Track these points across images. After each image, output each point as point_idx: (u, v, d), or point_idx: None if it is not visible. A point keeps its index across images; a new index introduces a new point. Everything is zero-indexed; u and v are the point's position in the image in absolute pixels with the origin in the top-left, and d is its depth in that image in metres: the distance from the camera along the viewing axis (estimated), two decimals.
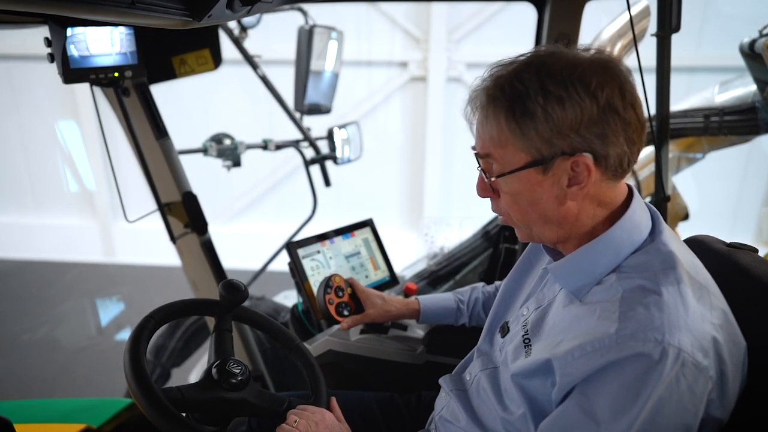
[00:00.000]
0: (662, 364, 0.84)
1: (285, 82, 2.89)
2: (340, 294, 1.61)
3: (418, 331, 1.74)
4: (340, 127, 2.83)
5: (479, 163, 1.05)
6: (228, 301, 1.31)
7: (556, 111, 0.92)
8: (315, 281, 1.71)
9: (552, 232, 1.03)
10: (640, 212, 1.01)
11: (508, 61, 1.00)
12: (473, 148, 1.06)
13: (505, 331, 1.20)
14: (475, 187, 1.08)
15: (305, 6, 2.61)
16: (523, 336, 1.09)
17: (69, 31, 1.50)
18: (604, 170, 0.96)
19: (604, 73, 0.94)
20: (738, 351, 0.94)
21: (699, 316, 0.89)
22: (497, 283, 1.59)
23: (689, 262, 0.98)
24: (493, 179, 1.01)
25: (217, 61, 2.16)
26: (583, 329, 0.93)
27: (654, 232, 1.01)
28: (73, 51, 1.53)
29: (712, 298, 0.94)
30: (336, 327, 1.83)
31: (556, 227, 1.02)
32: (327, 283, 1.60)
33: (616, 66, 0.96)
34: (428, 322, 1.64)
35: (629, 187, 1.05)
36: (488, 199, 1.09)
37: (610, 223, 1.00)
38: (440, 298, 1.63)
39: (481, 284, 1.65)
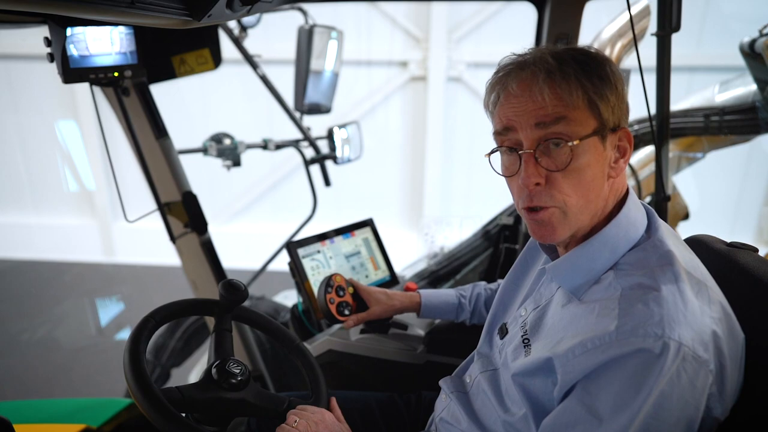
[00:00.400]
0: (663, 358, 0.84)
1: (285, 81, 2.89)
2: (341, 293, 1.60)
3: (418, 331, 1.74)
4: (340, 126, 2.82)
5: (524, 144, 0.98)
6: (228, 301, 1.31)
7: (618, 81, 0.97)
8: (315, 281, 1.71)
9: (588, 218, 1.00)
10: (635, 210, 1.02)
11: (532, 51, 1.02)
12: (505, 131, 1.00)
13: (503, 332, 1.20)
14: (522, 177, 0.99)
15: (305, 5, 2.61)
16: (522, 336, 1.09)
17: (69, 31, 1.50)
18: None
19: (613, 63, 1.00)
20: (737, 345, 0.94)
21: (698, 310, 0.90)
22: (500, 281, 1.58)
23: (686, 258, 0.99)
24: (576, 142, 0.94)
25: (216, 60, 2.16)
26: (583, 327, 0.94)
27: (650, 229, 1.01)
28: (72, 51, 1.53)
29: (710, 293, 0.94)
30: (336, 327, 1.82)
31: (593, 213, 1.00)
32: (328, 282, 1.59)
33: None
34: (429, 316, 1.62)
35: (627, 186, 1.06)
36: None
37: (606, 219, 1.01)
38: (442, 293, 1.63)
39: (483, 282, 1.65)
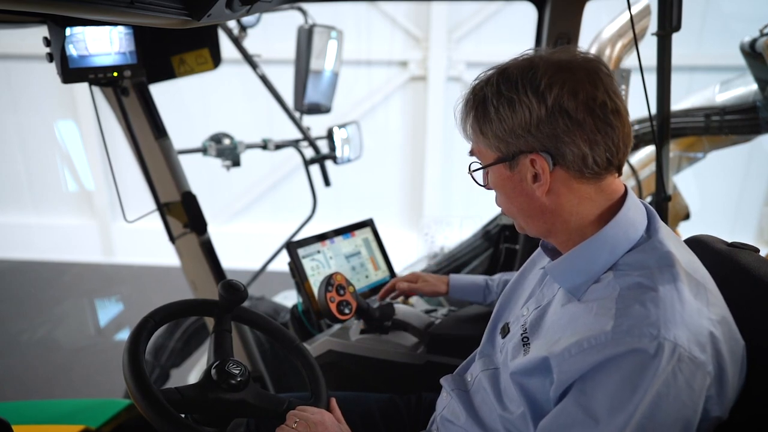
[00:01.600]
0: (658, 358, 0.84)
1: (284, 81, 2.89)
2: (342, 292, 1.60)
3: (419, 331, 1.74)
4: (340, 126, 2.82)
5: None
6: (227, 302, 1.30)
7: (507, 113, 0.98)
8: (315, 281, 1.71)
9: (535, 224, 1.07)
10: (634, 210, 1.02)
11: (498, 64, 1.05)
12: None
13: (505, 331, 1.21)
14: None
15: (305, 5, 2.61)
16: (521, 335, 1.09)
17: (68, 31, 1.50)
18: (566, 169, 0.98)
19: (557, 73, 0.95)
20: (737, 348, 0.94)
21: (696, 312, 0.90)
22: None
23: (686, 259, 0.98)
24: (473, 172, 1.09)
25: (216, 60, 2.16)
26: (581, 326, 0.94)
27: (650, 229, 1.01)
28: (72, 51, 1.53)
29: (709, 296, 0.94)
30: (336, 327, 1.82)
31: (538, 220, 1.05)
32: (328, 281, 1.59)
33: (580, 66, 0.96)
34: (457, 296, 1.71)
35: (624, 186, 1.05)
36: (486, 198, 1.16)
37: (604, 221, 1.00)
38: (470, 277, 1.74)
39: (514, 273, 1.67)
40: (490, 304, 1.67)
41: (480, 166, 1.09)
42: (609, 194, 1.01)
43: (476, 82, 1.05)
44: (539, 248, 1.30)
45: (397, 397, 1.54)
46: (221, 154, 2.58)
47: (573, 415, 0.90)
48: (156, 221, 2.17)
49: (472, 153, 1.11)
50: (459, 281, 1.72)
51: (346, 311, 1.59)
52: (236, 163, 2.62)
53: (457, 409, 1.22)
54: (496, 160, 1.04)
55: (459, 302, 1.96)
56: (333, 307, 1.58)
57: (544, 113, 0.95)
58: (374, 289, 1.86)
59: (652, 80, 1.76)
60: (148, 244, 5.05)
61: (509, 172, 1.03)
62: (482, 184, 1.11)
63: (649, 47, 1.87)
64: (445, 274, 1.77)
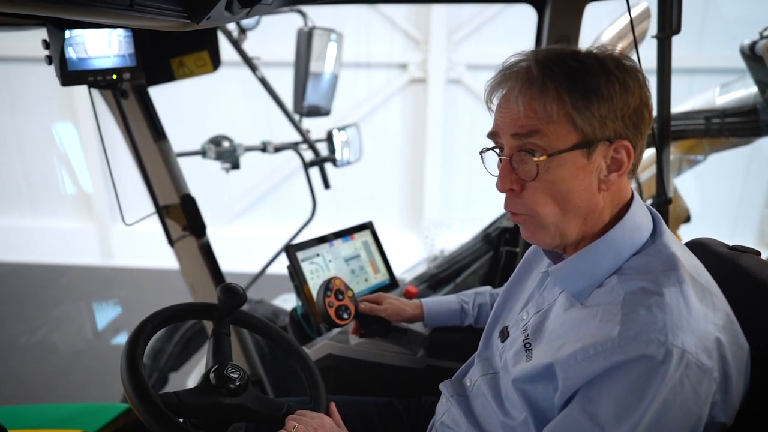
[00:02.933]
0: (666, 365, 0.83)
1: (284, 83, 2.88)
2: (340, 297, 1.59)
3: (418, 335, 1.73)
4: (340, 129, 2.82)
5: (504, 150, 1.01)
6: (226, 305, 1.30)
7: (617, 92, 0.93)
8: (314, 284, 1.70)
9: (576, 227, 1.00)
10: (640, 214, 1.01)
11: (533, 50, 1.01)
12: (492, 135, 1.03)
13: (504, 335, 1.19)
14: (497, 180, 1.02)
15: (304, 8, 2.61)
16: (523, 340, 1.08)
17: (67, 33, 1.50)
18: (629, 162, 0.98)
19: (639, 72, 0.97)
20: (741, 353, 0.93)
21: (702, 317, 0.89)
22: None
23: (691, 264, 0.98)
24: (543, 158, 0.95)
25: (215, 63, 2.15)
26: (585, 332, 0.93)
27: (655, 233, 1.01)
28: (71, 53, 1.53)
29: (714, 300, 0.94)
30: (336, 330, 1.82)
31: (582, 222, 1.00)
32: (327, 285, 1.58)
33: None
34: (433, 324, 1.64)
35: (631, 190, 1.05)
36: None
37: (611, 224, 1.00)
38: (443, 301, 1.64)
39: (488, 288, 1.66)
40: (468, 326, 1.61)
41: (555, 150, 0.95)
42: (623, 196, 1.02)
43: (545, 55, 0.97)
44: (534, 249, 1.30)
45: (396, 401, 1.53)
46: (220, 156, 2.58)
47: (578, 422, 0.89)
48: (155, 224, 2.16)
49: (529, 134, 0.96)
50: (435, 308, 1.61)
51: (345, 316, 1.58)
52: (235, 165, 2.61)
53: (457, 415, 1.21)
54: (576, 145, 0.94)
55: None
56: (332, 312, 1.57)
57: (639, 103, 0.95)
58: (374, 292, 1.85)
59: (652, 83, 1.74)
60: (146, 247, 5.04)
61: (585, 161, 0.95)
62: (526, 179, 0.98)
63: (649, 49, 1.87)
64: (441, 281, 1.74)
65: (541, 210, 0.99)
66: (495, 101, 1.02)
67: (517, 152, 0.98)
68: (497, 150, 1.04)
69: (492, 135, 1.04)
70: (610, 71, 0.93)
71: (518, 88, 0.96)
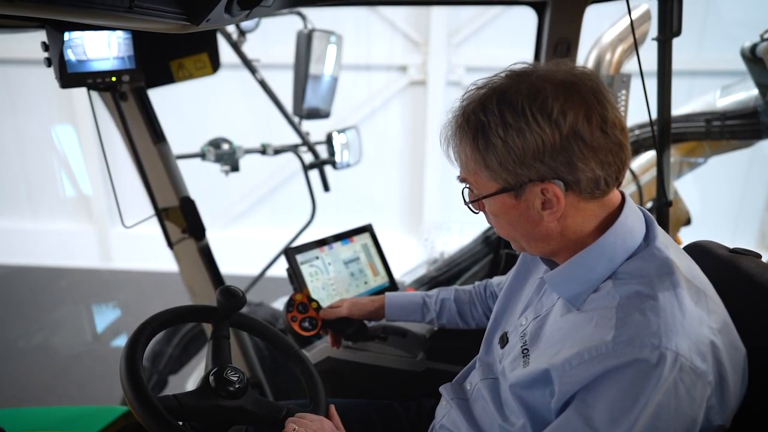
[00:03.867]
0: (660, 368, 0.83)
1: (284, 86, 2.88)
2: (303, 309, 1.59)
3: (418, 338, 1.73)
4: (339, 131, 2.82)
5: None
6: (225, 308, 1.29)
7: (516, 143, 0.92)
8: (314, 287, 1.70)
9: (539, 247, 1.04)
10: (632, 217, 1.00)
11: (482, 84, 0.99)
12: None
13: (504, 341, 1.19)
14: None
15: (304, 10, 2.61)
16: (521, 347, 1.08)
17: (66, 36, 1.49)
18: (579, 194, 0.95)
19: (569, 98, 0.91)
20: (738, 356, 0.93)
21: (696, 320, 0.89)
22: (487, 280, 1.57)
23: (686, 266, 0.98)
24: (470, 202, 1.06)
25: (215, 65, 2.15)
26: (581, 337, 0.93)
27: (648, 237, 1.00)
28: (70, 55, 1.52)
29: (709, 303, 0.94)
30: None
31: (543, 243, 1.03)
32: (289, 302, 1.59)
33: (585, 86, 0.93)
34: (394, 317, 1.59)
35: (621, 193, 1.04)
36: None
37: (602, 230, 0.99)
38: (406, 295, 1.61)
39: (453, 287, 1.62)
40: (430, 321, 1.58)
41: (479, 196, 1.04)
42: (609, 206, 1.00)
43: (467, 104, 0.99)
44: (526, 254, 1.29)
45: (396, 404, 1.53)
46: (220, 159, 2.58)
47: (574, 426, 0.89)
48: (154, 226, 2.16)
49: (464, 180, 1.06)
50: (396, 301, 1.58)
51: (309, 327, 1.57)
52: (235, 168, 2.61)
53: (458, 419, 1.21)
54: (500, 190, 0.99)
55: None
56: (296, 326, 1.56)
57: (558, 140, 0.91)
58: (373, 294, 1.85)
59: (652, 85, 1.75)
60: (146, 249, 5.04)
61: (514, 201, 0.99)
62: (475, 211, 1.09)
63: (649, 52, 1.87)
64: (441, 284, 1.73)
65: (502, 232, 1.08)
66: None
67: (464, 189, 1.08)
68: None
69: None
70: (507, 123, 0.93)
71: (446, 141, 1.04)
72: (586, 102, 0.92)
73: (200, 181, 3.07)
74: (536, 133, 0.91)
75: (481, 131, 0.95)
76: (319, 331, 1.60)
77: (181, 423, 1.12)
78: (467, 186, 1.07)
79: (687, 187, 3.04)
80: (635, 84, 2.20)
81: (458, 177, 1.07)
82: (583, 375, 0.88)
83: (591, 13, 1.96)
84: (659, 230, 1.02)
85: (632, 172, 2.63)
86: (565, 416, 0.91)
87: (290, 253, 1.71)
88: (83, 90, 1.69)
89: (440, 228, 2.96)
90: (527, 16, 2.16)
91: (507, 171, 0.95)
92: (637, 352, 0.84)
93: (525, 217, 0.99)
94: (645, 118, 1.78)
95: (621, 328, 0.88)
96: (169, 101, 3.90)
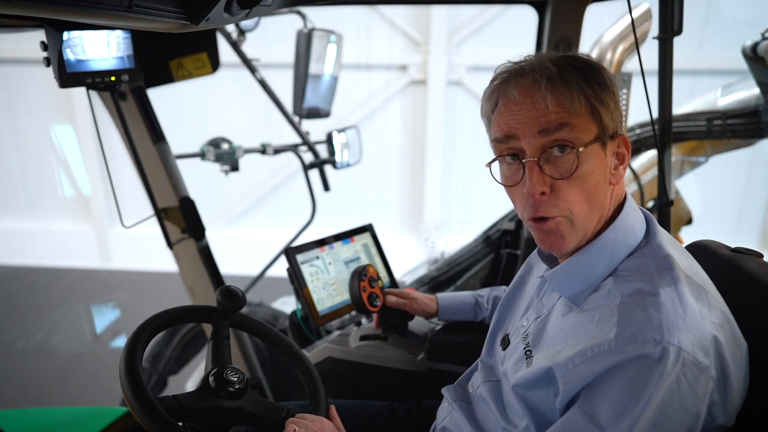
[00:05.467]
0: (663, 363, 0.83)
1: (283, 85, 2.88)
2: (373, 284, 1.60)
3: (419, 338, 1.72)
4: (340, 130, 2.81)
5: (527, 152, 0.96)
6: (225, 308, 1.29)
7: (615, 88, 0.98)
8: (314, 287, 1.70)
9: (593, 225, 0.99)
10: (633, 215, 1.01)
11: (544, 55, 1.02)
12: (506, 139, 0.98)
13: (506, 343, 1.19)
14: (530, 185, 0.96)
15: (304, 9, 2.60)
16: (524, 348, 1.08)
17: (65, 35, 1.49)
18: None
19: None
20: (740, 351, 0.93)
21: (698, 315, 0.89)
22: None
23: (686, 263, 0.98)
24: (581, 149, 0.93)
25: (214, 64, 2.15)
26: (583, 336, 0.93)
27: (648, 234, 1.01)
28: (69, 55, 1.52)
29: (710, 298, 0.93)
30: (336, 333, 1.81)
31: (597, 219, 0.99)
32: (362, 271, 1.59)
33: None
34: (447, 318, 1.66)
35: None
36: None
37: (607, 225, 1.00)
38: (458, 295, 1.66)
39: (503, 287, 1.65)
40: (482, 320, 1.63)
41: (584, 142, 0.94)
42: (622, 193, 1.03)
43: (555, 56, 0.98)
44: (534, 254, 1.29)
45: (397, 404, 1.53)
46: (219, 158, 2.57)
47: (578, 424, 0.89)
48: (154, 226, 2.15)
49: (558, 127, 0.93)
50: (448, 301, 1.63)
51: (376, 303, 1.60)
52: (235, 167, 2.61)
53: (460, 421, 1.20)
54: (598, 136, 0.95)
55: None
56: (365, 296, 1.57)
57: (618, 98, 0.99)
58: None
59: (653, 84, 1.75)
60: (145, 249, 5.05)
61: (603, 154, 0.96)
62: (561, 176, 0.94)
63: (650, 51, 1.87)
64: (442, 284, 1.74)
65: (575, 208, 0.96)
66: (501, 105, 0.99)
67: (549, 149, 0.95)
68: (509, 157, 1.00)
69: (504, 139, 0.99)
70: (605, 69, 0.98)
71: (543, 84, 0.94)
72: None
73: (200, 180, 3.08)
74: (616, 88, 0.98)
75: (588, 69, 0.96)
76: (378, 310, 1.63)
77: (180, 424, 1.12)
78: (557, 138, 0.94)
79: (688, 187, 3.04)
80: (636, 83, 2.19)
81: (545, 129, 0.94)
82: (586, 373, 0.88)
83: (591, 12, 1.96)
84: (659, 228, 1.03)
85: (633, 171, 2.63)
86: (570, 415, 0.91)
87: (291, 252, 1.71)
88: (82, 90, 1.68)
89: (441, 227, 2.96)
90: (528, 16, 2.16)
91: (611, 114, 0.97)
92: (640, 348, 0.84)
93: (605, 175, 0.97)
94: (646, 117, 1.78)
95: (623, 325, 0.88)
96: (168, 101, 3.90)
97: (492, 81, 1.02)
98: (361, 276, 1.59)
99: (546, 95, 0.93)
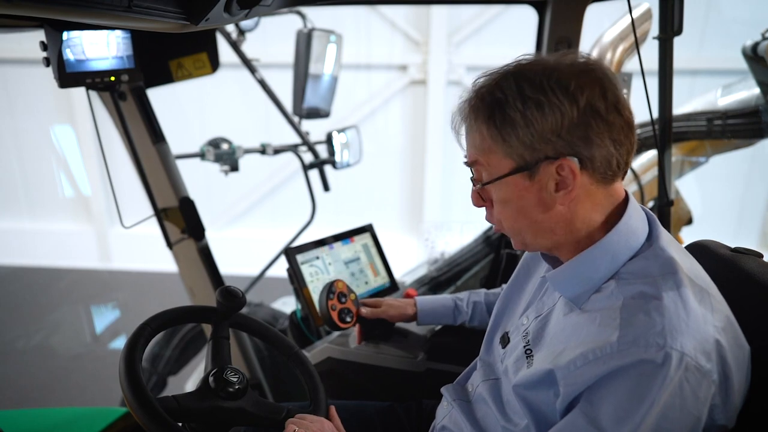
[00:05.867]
0: (665, 368, 0.83)
1: (283, 85, 2.88)
2: (343, 300, 1.59)
3: (419, 338, 1.72)
4: (339, 131, 2.81)
5: (471, 173, 1.06)
6: (225, 308, 1.29)
7: (535, 116, 0.92)
8: (314, 287, 1.69)
9: (545, 239, 1.02)
10: (636, 217, 1.00)
11: (491, 71, 1.00)
12: (465, 157, 1.07)
13: (505, 341, 1.19)
14: (470, 197, 1.09)
15: (304, 9, 2.60)
16: (524, 347, 1.08)
17: (65, 35, 1.49)
18: (592, 173, 0.95)
19: (584, 76, 0.93)
20: (742, 355, 0.93)
21: (701, 320, 0.88)
22: (503, 286, 1.57)
23: (688, 266, 0.97)
24: (481, 187, 1.03)
25: (214, 64, 2.15)
26: (585, 338, 0.92)
27: (651, 236, 1.00)
28: (69, 55, 1.52)
29: (713, 301, 0.93)
30: (336, 334, 1.81)
31: (549, 234, 1.00)
32: (329, 288, 1.57)
33: (597, 68, 0.95)
34: (427, 322, 1.62)
35: (625, 191, 1.04)
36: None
37: (606, 229, 0.99)
38: (437, 298, 1.63)
39: (483, 290, 1.64)
40: (461, 324, 1.60)
41: (493, 177, 0.99)
42: (615, 199, 1.00)
43: (480, 86, 0.98)
44: (532, 253, 1.29)
45: (397, 404, 1.52)
46: (219, 158, 2.57)
47: (579, 427, 0.88)
48: (153, 227, 2.15)
49: (472, 164, 1.03)
50: (427, 305, 1.61)
51: (348, 319, 1.58)
52: (234, 167, 2.60)
53: (460, 420, 1.20)
54: (514, 170, 0.97)
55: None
56: (334, 315, 1.56)
57: (576, 114, 0.91)
58: (374, 295, 1.84)
59: (653, 84, 1.75)
60: (145, 249, 5.04)
61: (528, 182, 0.97)
62: (481, 201, 1.06)
63: (650, 51, 1.87)
64: (442, 284, 1.73)
65: (505, 224, 1.04)
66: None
67: (471, 178, 1.06)
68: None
69: None
70: (526, 97, 0.93)
71: (458, 123, 1.03)
72: (599, 80, 0.94)
73: (200, 181, 3.07)
74: (555, 106, 0.91)
75: (497, 107, 0.95)
76: (353, 325, 1.61)
77: (180, 424, 1.12)
78: (475, 172, 1.04)
79: (688, 187, 3.04)
80: (636, 83, 2.19)
81: (467, 161, 1.05)
82: (588, 376, 0.88)
83: (592, 11, 1.96)
84: (662, 230, 1.02)
85: (633, 171, 2.63)
86: (571, 417, 0.90)
87: (290, 253, 1.71)
88: (82, 90, 1.68)
89: (441, 228, 2.95)
90: (528, 16, 2.16)
91: (525, 146, 0.94)
92: (642, 353, 0.84)
93: (536, 200, 0.97)
94: (646, 118, 1.78)
95: (625, 328, 0.87)
96: (168, 101, 3.90)
97: None
98: (329, 294, 1.57)
99: (461, 134, 1.04)
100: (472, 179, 1.06)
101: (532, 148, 0.94)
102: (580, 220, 0.98)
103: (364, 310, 1.60)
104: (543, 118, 0.92)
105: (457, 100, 1.04)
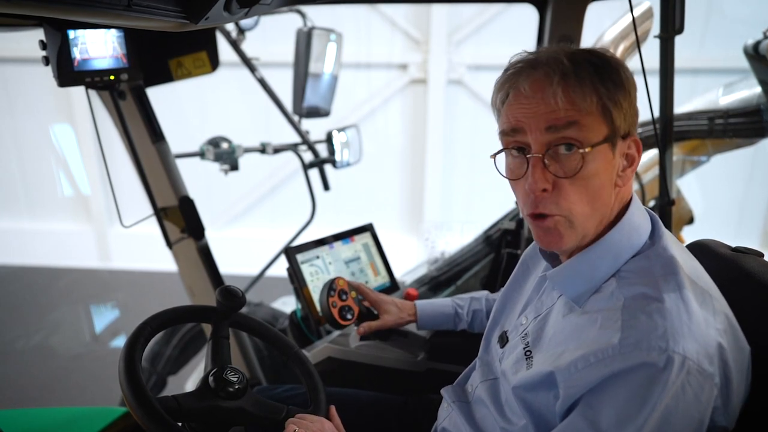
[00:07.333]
0: (667, 372, 0.82)
1: (283, 84, 2.87)
2: (344, 297, 1.58)
3: (419, 338, 1.72)
4: (339, 130, 2.81)
5: (533, 147, 0.94)
6: (225, 308, 1.28)
7: (633, 87, 0.95)
8: (314, 287, 1.69)
9: (594, 227, 0.97)
10: (638, 215, 1.00)
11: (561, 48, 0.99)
12: (512, 132, 0.96)
13: (504, 341, 1.18)
14: (532, 182, 0.94)
15: (303, 8, 2.60)
16: (524, 348, 1.07)
17: (64, 34, 1.48)
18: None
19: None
20: (743, 356, 0.93)
21: (703, 322, 0.88)
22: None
23: (690, 266, 0.97)
24: (587, 149, 0.91)
25: (214, 63, 2.14)
26: (586, 339, 0.92)
27: (654, 236, 0.99)
28: (68, 54, 1.51)
29: (714, 303, 0.93)
30: (336, 333, 1.81)
31: (599, 221, 0.97)
32: (330, 286, 1.57)
33: None
34: (426, 327, 1.62)
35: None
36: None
37: (608, 228, 0.98)
38: (437, 303, 1.61)
39: (484, 293, 1.63)
40: (462, 330, 1.59)
41: (591, 143, 0.91)
42: (628, 195, 1.01)
43: (568, 52, 0.94)
44: (531, 252, 1.28)
45: (398, 399, 1.52)
46: (219, 158, 2.57)
47: (579, 430, 0.88)
48: (153, 226, 2.15)
49: (568, 124, 0.91)
50: (428, 310, 1.59)
51: (348, 317, 1.57)
52: (234, 167, 2.60)
53: (459, 422, 1.20)
54: (609, 137, 0.92)
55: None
56: (335, 312, 1.56)
57: (634, 97, 0.96)
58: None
59: (654, 83, 1.74)
60: (145, 249, 5.04)
61: (611, 155, 0.94)
62: (565, 175, 0.93)
63: (651, 50, 1.86)
64: (442, 284, 1.72)
65: (576, 208, 0.94)
66: (511, 97, 0.97)
67: (555, 147, 0.93)
68: (515, 150, 0.98)
69: (511, 132, 0.97)
70: (623, 67, 0.95)
71: (555, 79, 0.91)
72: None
73: (199, 180, 3.07)
74: (634, 87, 0.95)
75: (603, 67, 0.92)
76: (354, 322, 1.60)
77: (180, 424, 1.11)
78: (563, 136, 0.92)
79: (690, 186, 3.04)
80: (637, 82, 2.18)
81: (552, 126, 0.92)
82: (589, 378, 0.87)
83: (592, 10, 1.95)
84: (664, 230, 1.01)
85: None
86: (571, 420, 0.90)
87: (290, 252, 1.71)
88: (82, 89, 1.68)
89: (441, 227, 2.95)
90: (528, 14, 2.16)
91: (626, 114, 0.94)
92: (645, 356, 0.83)
93: (611, 177, 0.95)
94: (647, 117, 1.77)
95: (627, 331, 0.86)
96: (167, 100, 3.90)
97: (505, 70, 0.99)
98: (330, 291, 1.56)
99: (557, 91, 0.91)
100: (543, 156, 0.93)
101: (626, 118, 0.95)
102: (613, 209, 0.99)
103: (361, 330, 1.59)
104: (633, 92, 0.95)
105: (531, 57, 0.96)
